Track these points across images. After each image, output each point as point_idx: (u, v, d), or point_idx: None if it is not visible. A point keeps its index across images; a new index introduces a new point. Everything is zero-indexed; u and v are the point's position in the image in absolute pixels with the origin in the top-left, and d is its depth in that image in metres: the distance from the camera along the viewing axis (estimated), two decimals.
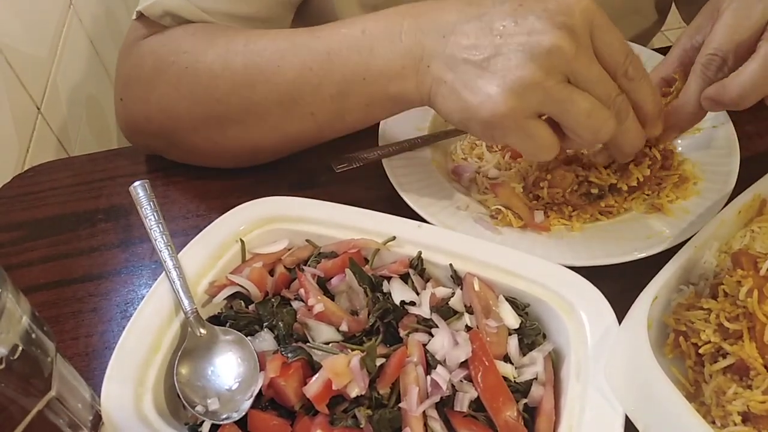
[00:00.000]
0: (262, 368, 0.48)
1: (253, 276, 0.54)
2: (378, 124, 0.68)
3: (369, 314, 0.51)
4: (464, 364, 0.48)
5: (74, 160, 0.82)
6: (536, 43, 0.51)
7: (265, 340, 0.50)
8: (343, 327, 0.50)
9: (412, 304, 0.52)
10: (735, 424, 0.46)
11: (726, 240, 0.56)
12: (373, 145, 0.67)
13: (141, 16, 0.68)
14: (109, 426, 0.46)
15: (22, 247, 0.66)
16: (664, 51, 0.67)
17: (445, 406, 0.47)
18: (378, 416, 0.45)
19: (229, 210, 0.58)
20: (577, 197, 0.63)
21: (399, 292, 0.52)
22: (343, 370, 0.46)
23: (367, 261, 0.56)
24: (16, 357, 0.39)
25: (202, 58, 0.64)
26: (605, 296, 0.51)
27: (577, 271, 0.53)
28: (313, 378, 0.46)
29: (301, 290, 0.53)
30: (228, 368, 0.49)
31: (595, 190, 0.62)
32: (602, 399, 0.46)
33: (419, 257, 0.55)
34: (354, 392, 0.46)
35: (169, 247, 0.55)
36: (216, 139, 0.67)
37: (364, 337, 0.50)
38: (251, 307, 0.53)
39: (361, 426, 0.45)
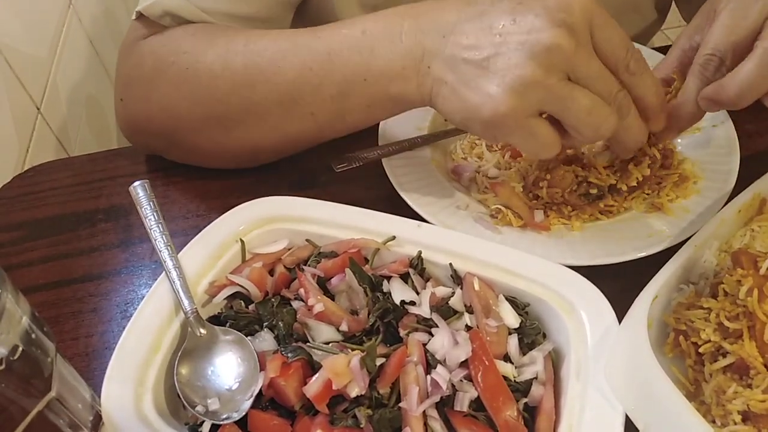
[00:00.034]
0: (262, 368, 0.48)
1: (253, 276, 0.54)
2: (378, 123, 0.68)
3: (369, 314, 0.51)
4: (464, 364, 0.48)
5: (74, 160, 0.82)
6: (536, 42, 0.51)
7: (265, 340, 0.50)
8: (343, 327, 0.50)
9: (412, 303, 0.52)
10: (735, 423, 0.46)
11: (726, 239, 0.56)
12: (373, 145, 0.67)
13: (141, 16, 0.68)
14: (109, 426, 0.46)
15: (22, 247, 0.66)
16: (664, 50, 0.67)
17: (445, 405, 0.47)
18: (378, 416, 0.45)
19: (229, 210, 0.58)
20: (576, 197, 0.62)
21: (399, 292, 0.52)
22: (343, 370, 0.46)
23: (367, 261, 0.56)
24: (16, 357, 0.39)
25: (202, 58, 0.64)
26: (605, 296, 0.51)
27: (577, 271, 0.53)
28: (313, 378, 0.46)
29: (301, 290, 0.53)
30: (228, 368, 0.49)
31: (594, 191, 0.62)
32: (602, 398, 0.46)
33: (419, 257, 0.55)
34: (354, 392, 0.46)
35: (169, 247, 0.55)
36: (216, 139, 0.67)
37: (364, 337, 0.50)
38: (251, 307, 0.53)
39: (361, 426, 0.45)
